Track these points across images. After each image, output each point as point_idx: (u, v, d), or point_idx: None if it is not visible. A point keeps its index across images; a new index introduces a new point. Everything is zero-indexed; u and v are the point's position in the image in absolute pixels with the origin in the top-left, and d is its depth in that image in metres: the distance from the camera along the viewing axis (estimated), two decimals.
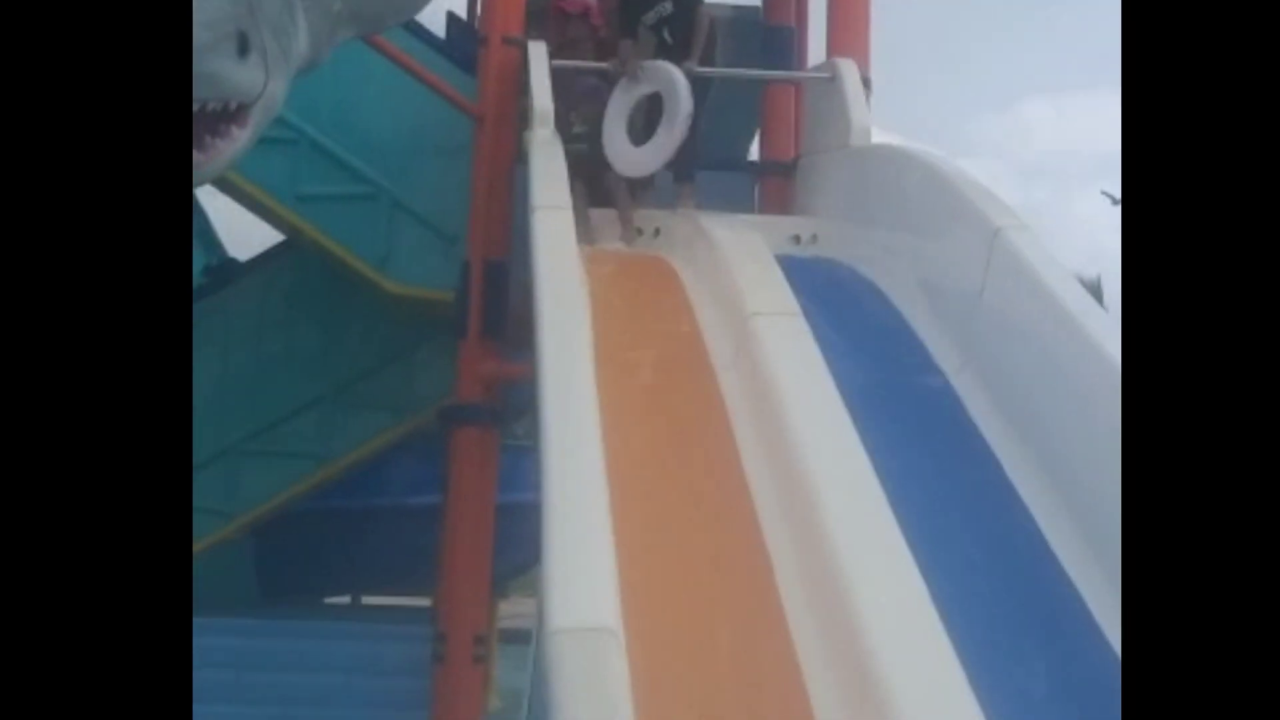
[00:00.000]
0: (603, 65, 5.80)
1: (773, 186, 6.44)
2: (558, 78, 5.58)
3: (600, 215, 5.60)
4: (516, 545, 6.08)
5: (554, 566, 2.72)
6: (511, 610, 9.84)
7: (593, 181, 5.62)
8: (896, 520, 3.22)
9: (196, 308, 6.76)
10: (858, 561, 3.07)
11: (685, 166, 5.91)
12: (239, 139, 3.53)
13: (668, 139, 5.51)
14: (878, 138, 5.60)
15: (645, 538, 3.24)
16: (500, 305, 5.73)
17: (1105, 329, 3.62)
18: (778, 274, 4.57)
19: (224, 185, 6.22)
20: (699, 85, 5.94)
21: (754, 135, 7.16)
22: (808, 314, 4.24)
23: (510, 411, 6.13)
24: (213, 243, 9.16)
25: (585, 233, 5.23)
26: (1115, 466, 3.31)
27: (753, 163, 7.02)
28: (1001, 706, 2.75)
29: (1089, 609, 3.22)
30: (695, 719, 2.78)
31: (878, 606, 2.93)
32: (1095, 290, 19.70)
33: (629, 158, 5.60)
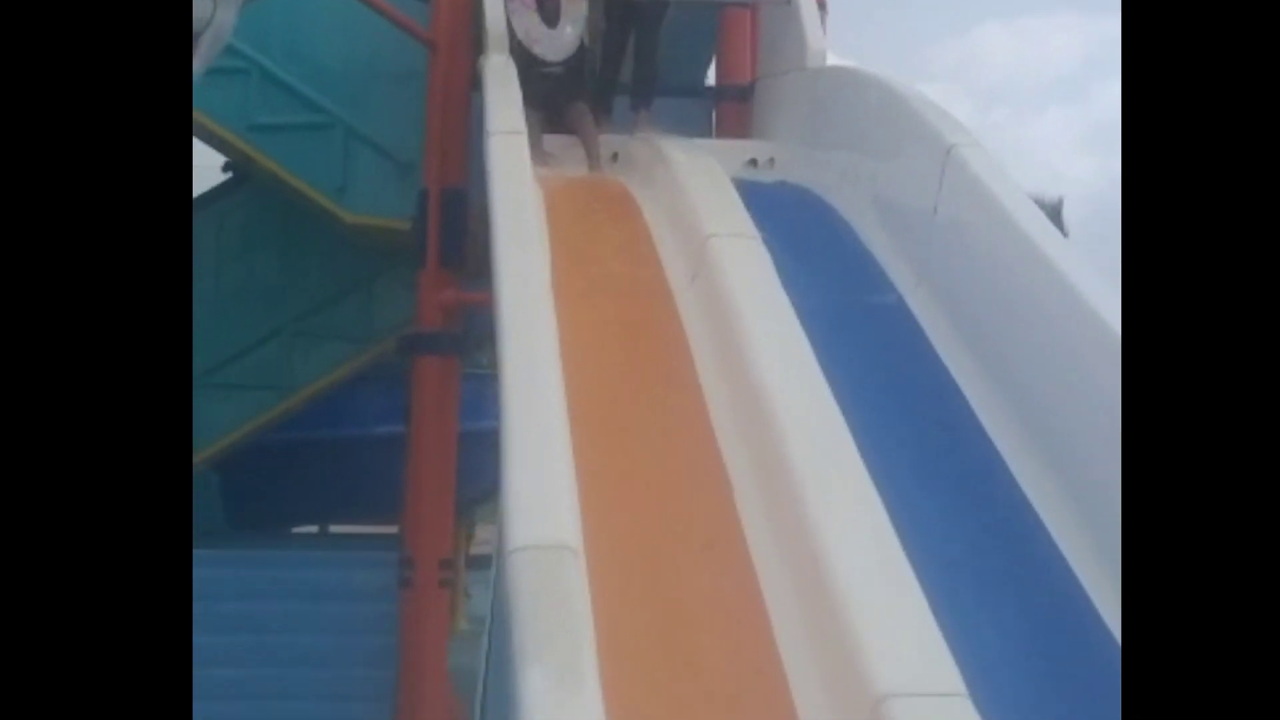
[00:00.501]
0: None
1: (730, 111, 6.43)
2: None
3: (559, 142, 5.58)
4: (482, 471, 6.15)
5: (513, 487, 2.75)
6: (482, 536, 9.94)
7: (558, 109, 5.59)
8: (853, 436, 3.26)
9: None
10: (814, 478, 3.11)
11: (643, 92, 5.89)
12: None
13: None
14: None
15: (605, 459, 3.28)
16: (458, 233, 5.73)
17: (1057, 244, 3.66)
18: (734, 197, 4.58)
19: None
20: (655, 10, 5.91)
21: (710, 60, 7.12)
22: (765, 236, 4.26)
23: (472, 340, 6.15)
24: None
25: (540, 158, 5.22)
26: (1067, 380, 3.40)
27: (710, 87, 6.99)
28: (957, 621, 2.75)
29: (1040, 518, 3.29)
30: (656, 635, 2.81)
31: (834, 521, 2.96)
32: (1056, 213, 19.70)
33: (548, 39, 5.55)
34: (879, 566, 2.84)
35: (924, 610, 2.71)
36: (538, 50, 5.49)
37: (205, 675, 4.55)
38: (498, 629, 2.86)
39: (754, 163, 5.45)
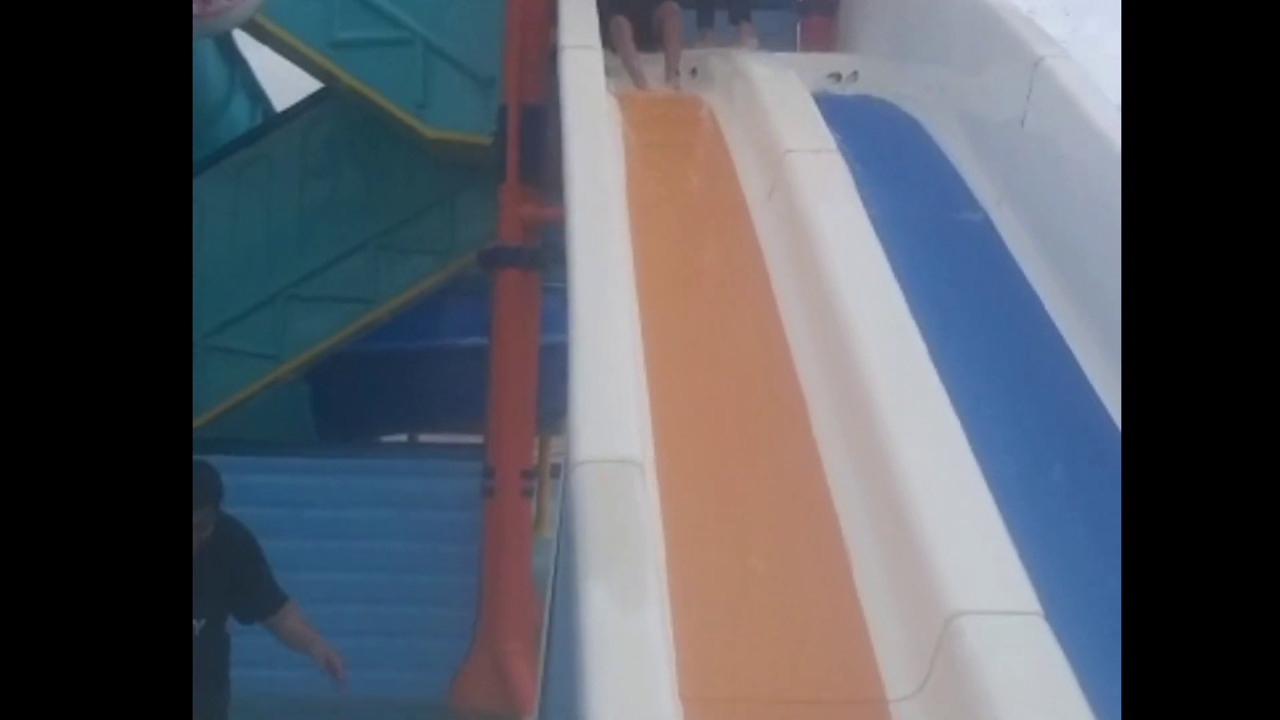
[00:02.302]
0: None
1: (815, 24, 6.30)
2: None
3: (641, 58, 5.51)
4: (565, 383, 6.19)
5: (580, 401, 2.77)
6: (557, 447, 10.06)
7: (646, 18, 5.52)
8: (930, 353, 3.22)
9: (239, 156, 6.81)
10: (890, 395, 3.07)
11: (742, 4, 5.80)
12: None
13: None
14: None
15: (676, 376, 3.28)
16: (538, 148, 5.72)
17: None
18: (814, 111, 4.51)
19: (259, 33, 6.18)
20: None
21: None
22: (845, 151, 4.19)
23: (553, 254, 6.17)
24: (258, 94, 9.14)
25: (633, 74, 5.19)
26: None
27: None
28: (1037, 541, 2.69)
29: None
30: (725, 553, 2.80)
31: (908, 437, 2.92)
32: None
33: None
34: (953, 483, 2.79)
35: (999, 528, 2.65)
36: None
37: (294, 579, 4.70)
38: (565, 540, 2.89)
39: (837, 76, 5.33)
